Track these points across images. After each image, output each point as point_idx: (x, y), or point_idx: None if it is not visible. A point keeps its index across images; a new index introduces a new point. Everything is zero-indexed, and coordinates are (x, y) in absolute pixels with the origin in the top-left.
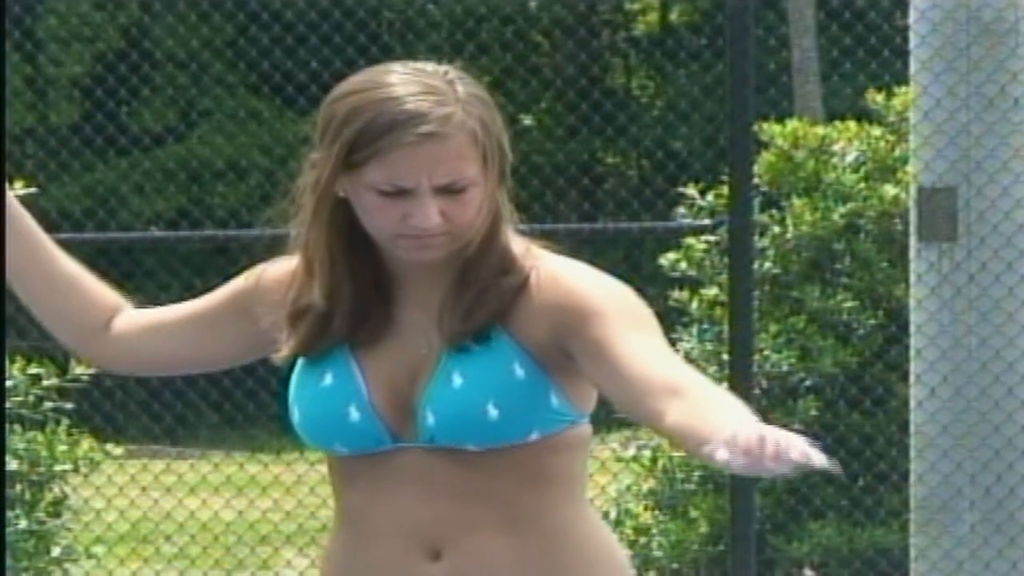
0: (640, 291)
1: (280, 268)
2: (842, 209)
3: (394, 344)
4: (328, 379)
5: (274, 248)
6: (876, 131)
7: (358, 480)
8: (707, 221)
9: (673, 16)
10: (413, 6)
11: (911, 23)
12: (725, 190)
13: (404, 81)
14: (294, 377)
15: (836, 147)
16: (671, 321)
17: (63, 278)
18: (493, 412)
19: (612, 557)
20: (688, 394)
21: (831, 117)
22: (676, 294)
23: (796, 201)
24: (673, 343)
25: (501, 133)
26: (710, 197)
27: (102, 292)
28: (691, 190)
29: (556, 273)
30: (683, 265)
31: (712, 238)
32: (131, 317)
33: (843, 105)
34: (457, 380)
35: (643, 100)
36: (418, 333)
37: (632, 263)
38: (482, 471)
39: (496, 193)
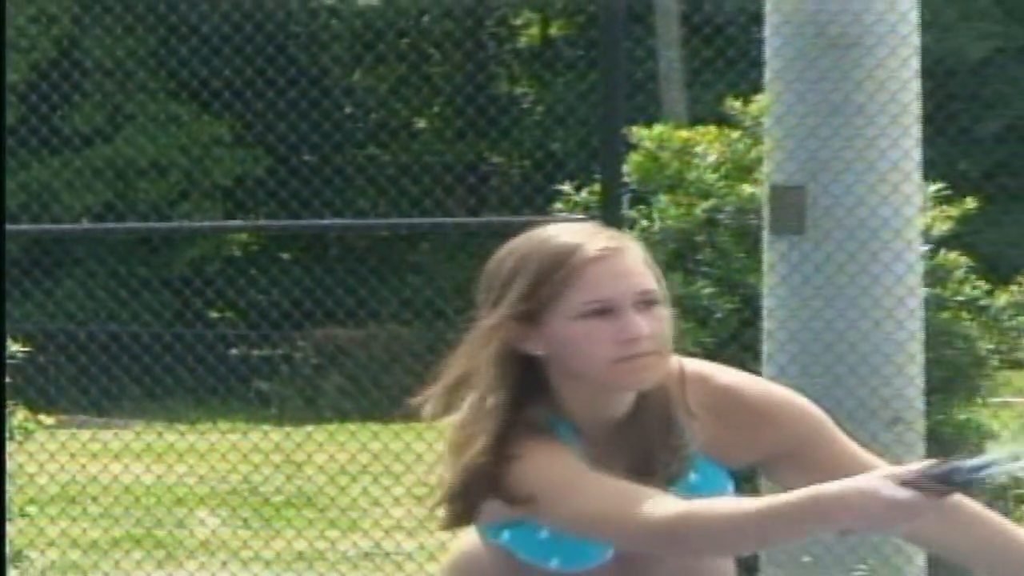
0: None
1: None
2: (703, 205)
3: None
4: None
5: (192, 239)
6: (734, 134)
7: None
8: (581, 215)
9: (552, 30)
10: (317, 20)
11: (766, 36)
12: (597, 187)
13: (553, 229)
14: (547, 532)
15: (698, 149)
16: None
17: None
18: None
19: None
20: None
21: (694, 121)
22: None
23: (662, 197)
24: None
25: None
26: (584, 193)
27: None
28: (567, 187)
29: (745, 392)
30: None
31: None
32: None
33: (705, 110)
34: None
35: (524, 105)
36: (616, 468)
37: None
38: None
39: None
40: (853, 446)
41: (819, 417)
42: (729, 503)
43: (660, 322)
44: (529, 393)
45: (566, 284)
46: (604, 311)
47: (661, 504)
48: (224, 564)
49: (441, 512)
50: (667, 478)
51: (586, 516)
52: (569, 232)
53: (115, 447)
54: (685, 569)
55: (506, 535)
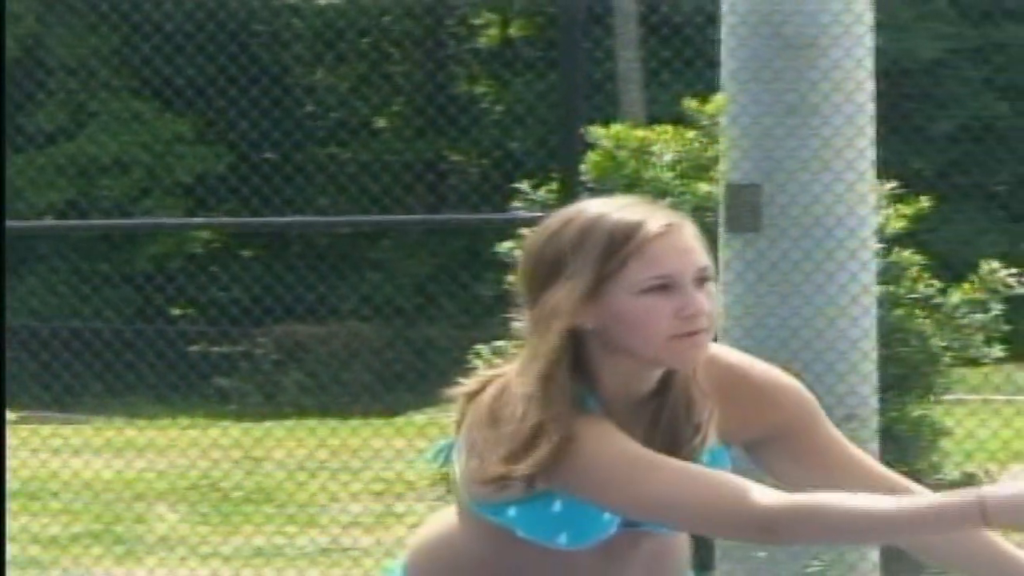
0: (479, 276)
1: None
2: (662, 203)
3: None
4: (606, 515)
5: (154, 236)
6: (691, 134)
7: (536, 556)
8: (539, 213)
9: (512, 30)
10: (279, 19)
11: (722, 37)
12: (555, 186)
13: (605, 203)
14: (560, 505)
15: (655, 148)
16: (507, 302)
17: None
18: None
19: None
20: None
21: (651, 121)
22: (512, 278)
23: (619, 195)
24: (507, 322)
25: None
26: (542, 192)
27: None
28: (525, 185)
29: (752, 371)
30: (518, 252)
31: None
32: None
33: (662, 110)
34: None
35: (484, 105)
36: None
37: (472, 251)
38: (667, 541)
39: None
40: (841, 437)
41: (815, 403)
42: (865, 500)
43: (713, 299)
44: (572, 367)
45: (632, 258)
46: (666, 286)
47: (768, 494)
48: (183, 559)
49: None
50: (686, 456)
51: (671, 501)
52: (626, 206)
53: (76, 442)
54: (662, 544)
55: (512, 512)
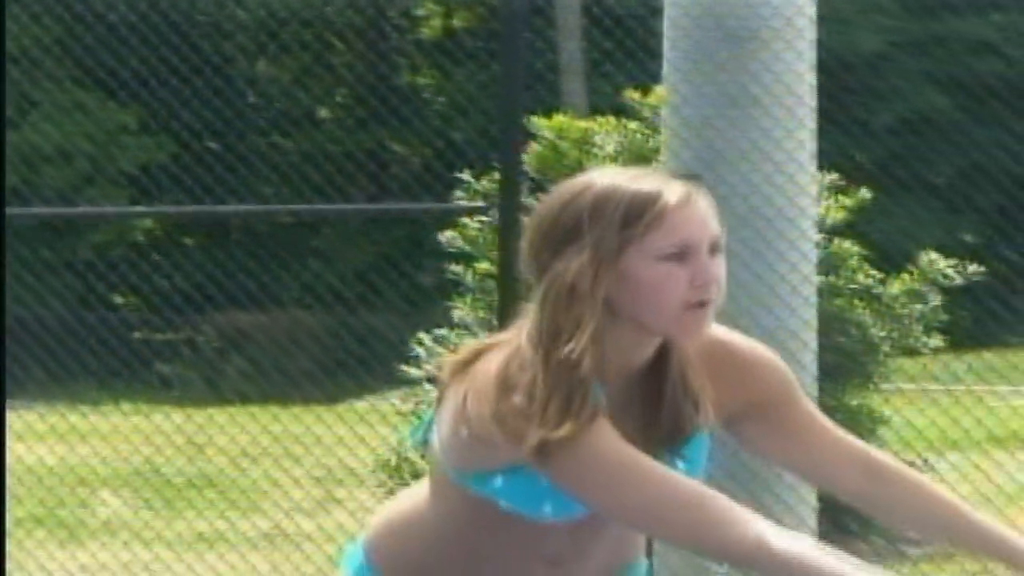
0: (420, 265)
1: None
2: None
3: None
4: None
5: (96, 225)
6: (633, 125)
7: (516, 524)
8: (481, 203)
9: (454, 21)
10: (222, 10)
11: (664, 29)
12: (497, 176)
13: (618, 173)
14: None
15: (597, 138)
16: (448, 291)
17: None
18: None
19: None
20: None
21: (593, 112)
22: (453, 267)
23: None
24: (449, 311)
25: None
26: (484, 182)
27: None
28: (467, 176)
29: (734, 344)
30: (459, 242)
31: (485, 218)
32: None
33: (604, 101)
34: (680, 466)
35: (426, 95)
36: (619, 421)
37: (414, 240)
38: None
39: None
40: (817, 411)
41: (793, 378)
42: (838, 566)
43: (722, 270)
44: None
45: (652, 226)
46: (682, 255)
47: (739, 523)
48: (126, 544)
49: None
50: (689, 433)
51: (658, 514)
52: (642, 176)
53: (18, 428)
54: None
55: (498, 481)
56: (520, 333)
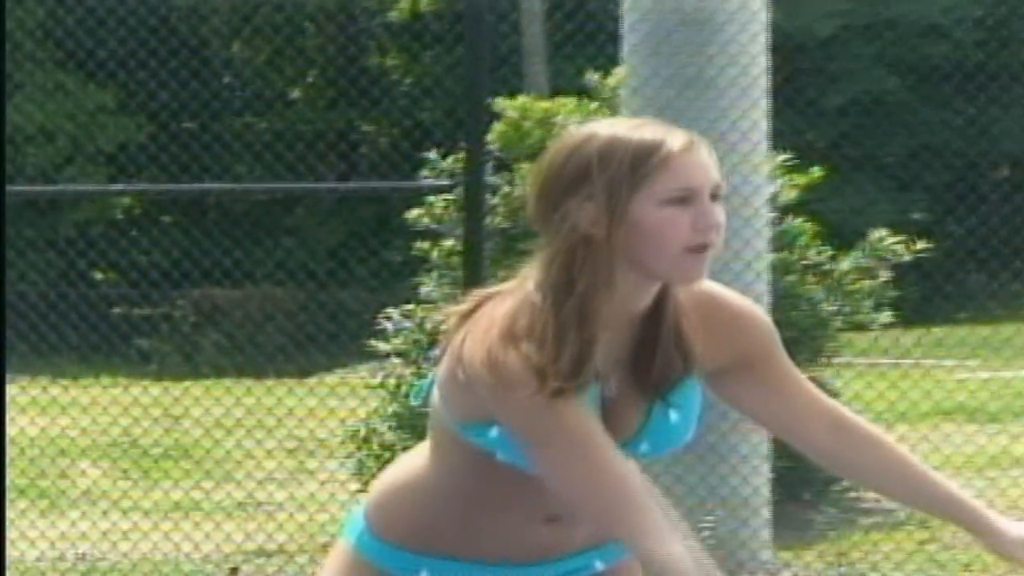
0: (388, 242)
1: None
2: None
3: (603, 384)
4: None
5: (77, 203)
6: (593, 105)
7: (513, 474)
8: (447, 182)
9: (421, 5)
10: None
11: (623, 12)
12: (463, 155)
13: (618, 124)
14: None
15: (559, 119)
16: (415, 267)
17: None
18: (690, 434)
19: None
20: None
21: (555, 93)
22: (419, 244)
23: (524, 165)
24: (416, 287)
25: None
26: (449, 161)
27: None
28: (433, 155)
29: (723, 298)
30: (426, 219)
31: (451, 196)
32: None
33: (566, 82)
34: (673, 416)
35: (394, 77)
36: (613, 370)
37: (382, 218)
38: None
39: None
40: (794, 368)
41: (776, 333)
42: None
43: (722, 216)
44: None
45: (658, 170)
46: (686, 199)
47: (658, 540)
48: (105, 513)
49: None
50: (667, 377)
51: (593, 499)
52: (644, 125)
53: None
54: None
55: (493, 432)
56: (524, 282)
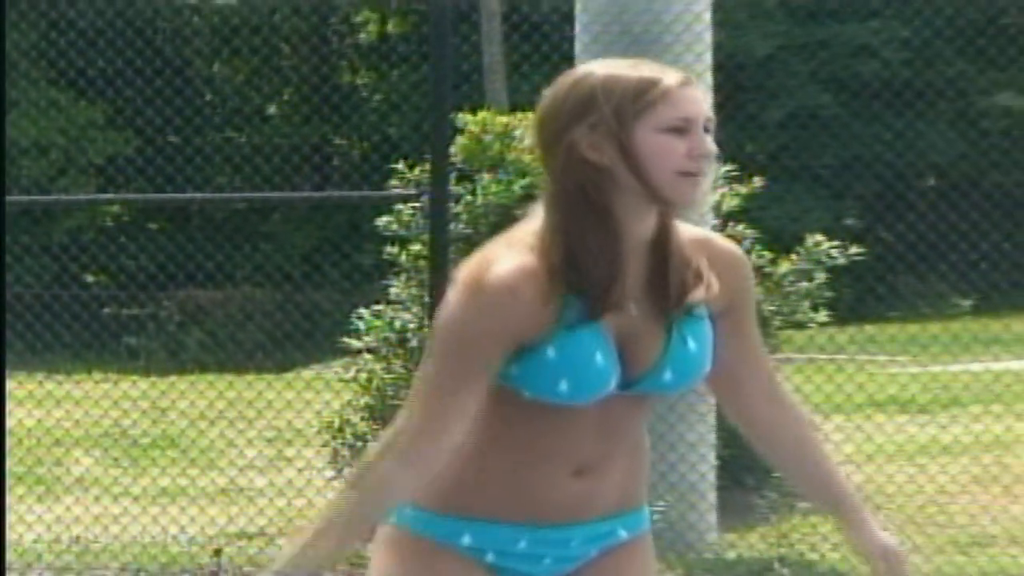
0: (359, 247)
1: (522, 280)
2: (521, 182)
3: (626, 312)
4: (599, 357)
5: (69, 211)
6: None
7: (541, 419)
8: (413, 191)
9: (389, 27)
10: (181, 17)
11: (576, 33)
12: (428, 166)
13: (613, 64)
14: (553, 352)
15: (517, 132)
16: (385, 270)
17: (370, 523)
18: (708, 366)
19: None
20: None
21: (514, 108)
22: (388, 249)
23: (485, 176)
24: (385, 288)
25: None
26: (416, 172)
27: (396, 488)
28: (401, 166)
29: (712, 240)
30: (394, 226)
31: (417, 204)
32: (426, 448)
33: (523, 99)
34: (692, 344)
35: (364, 94)
36: (634, 301)
37: (354, 224)
38: (646, 409)
39: None
40: (757, 328)
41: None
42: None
43: (714, 148)
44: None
45: (659, 101)
46: (682, 129)
47: (409, 452)
48: (97, 498)
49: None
50: (685, 294)
51: (410, 400)
52: (640, 64)
53: None
54: (644, 408)
55: (514, 370)
56: (528, 221)
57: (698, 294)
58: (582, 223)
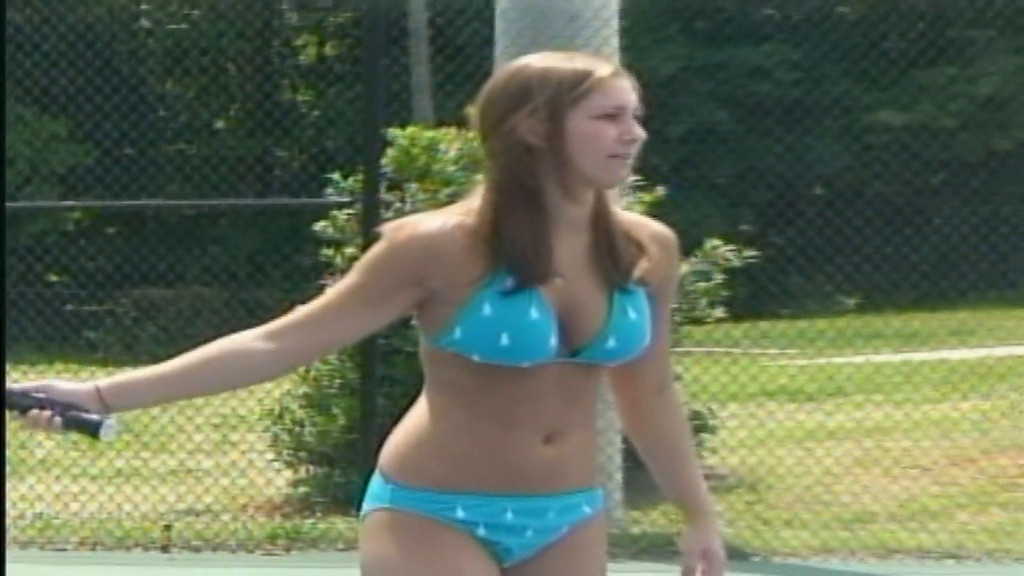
0: (299, 249)
1: (439, 234)
2: (446, 191)
3: (560, 282)
4: (534, 313)
5: (34, 217)
6: (471, 134)
7: (504, 385)
8: (348, 199)
9: (327, 49)
10: (136, 39)
11: (496, 55)
12: (361, 176)
13: (551, 56)
14: (489, 309)
15: (442, 146)
16: (321, 271)
17: (210, 383)
18: (647, 338)
19: None
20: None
21: (439, 124)
22: (325, 251)
23: (413, 185)
24: (322, 287)
25: None
26: (350, 181)
27: (249, 353)
28: (337, 176)
29: (648, 223)
30: (331, 230)
31: (352, 211)
32: (294, 332)
33: (448, 115)
34: (632, 314)
35: (303, 110)
36: (571, 273)
37: (294, 228)
38: (597, 380)
39: None
40: (668, 322)
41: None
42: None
43: (641, 132)
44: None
45: (593, 90)
46: (614, 116)
47: (270, 338)
48: (58, 478)
49: None
50: (631, 265)
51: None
52: (575, 56)
53: None
54: (593, 378)
55: (458, 333)
56: (461, 203)
57: (643, 267)
58: (513, 200)
